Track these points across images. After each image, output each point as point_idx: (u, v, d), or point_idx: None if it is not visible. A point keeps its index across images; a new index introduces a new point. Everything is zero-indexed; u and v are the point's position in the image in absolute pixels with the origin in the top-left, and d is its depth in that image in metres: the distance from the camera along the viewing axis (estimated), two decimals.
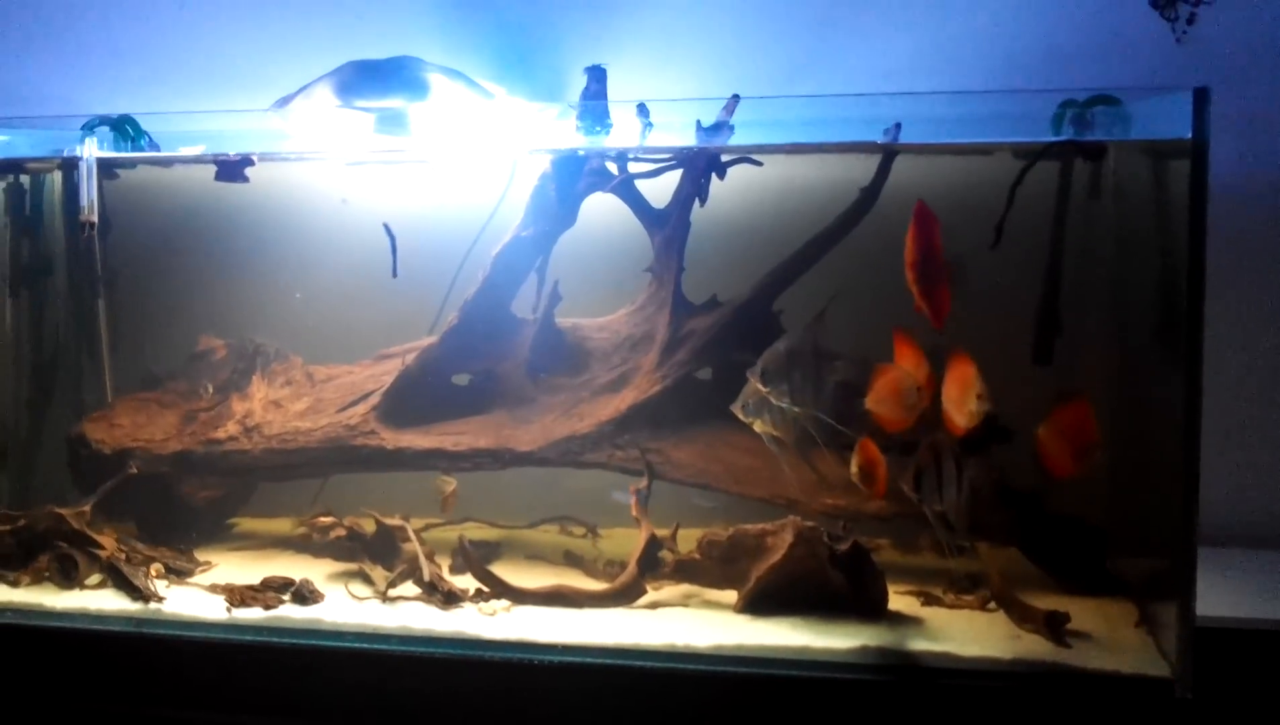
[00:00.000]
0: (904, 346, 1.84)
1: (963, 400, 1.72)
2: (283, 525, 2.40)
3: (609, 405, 2.12)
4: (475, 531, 2.29)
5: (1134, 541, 1.89)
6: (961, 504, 1.72)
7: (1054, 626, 1.74)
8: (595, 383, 2.18)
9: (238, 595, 1.94)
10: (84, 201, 2.18)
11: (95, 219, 2.20)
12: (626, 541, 2.05)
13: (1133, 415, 1.93)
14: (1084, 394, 1.77)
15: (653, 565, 1.92)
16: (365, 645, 1.82)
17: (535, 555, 2.21)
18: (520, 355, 2.22)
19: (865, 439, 1.83)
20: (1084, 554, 1.95)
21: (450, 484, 2.18)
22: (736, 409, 1.87)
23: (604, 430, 2.10)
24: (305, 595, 1.94)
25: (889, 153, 1.97)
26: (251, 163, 2.12)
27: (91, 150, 2.17)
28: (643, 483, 2.03)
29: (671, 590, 1.96)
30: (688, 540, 1.96)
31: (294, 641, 1.84)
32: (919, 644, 1.74)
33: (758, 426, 1.86)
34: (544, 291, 2.20)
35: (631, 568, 1.92)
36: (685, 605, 1.92)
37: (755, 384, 1.80)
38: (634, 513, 1.99)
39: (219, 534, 2.37)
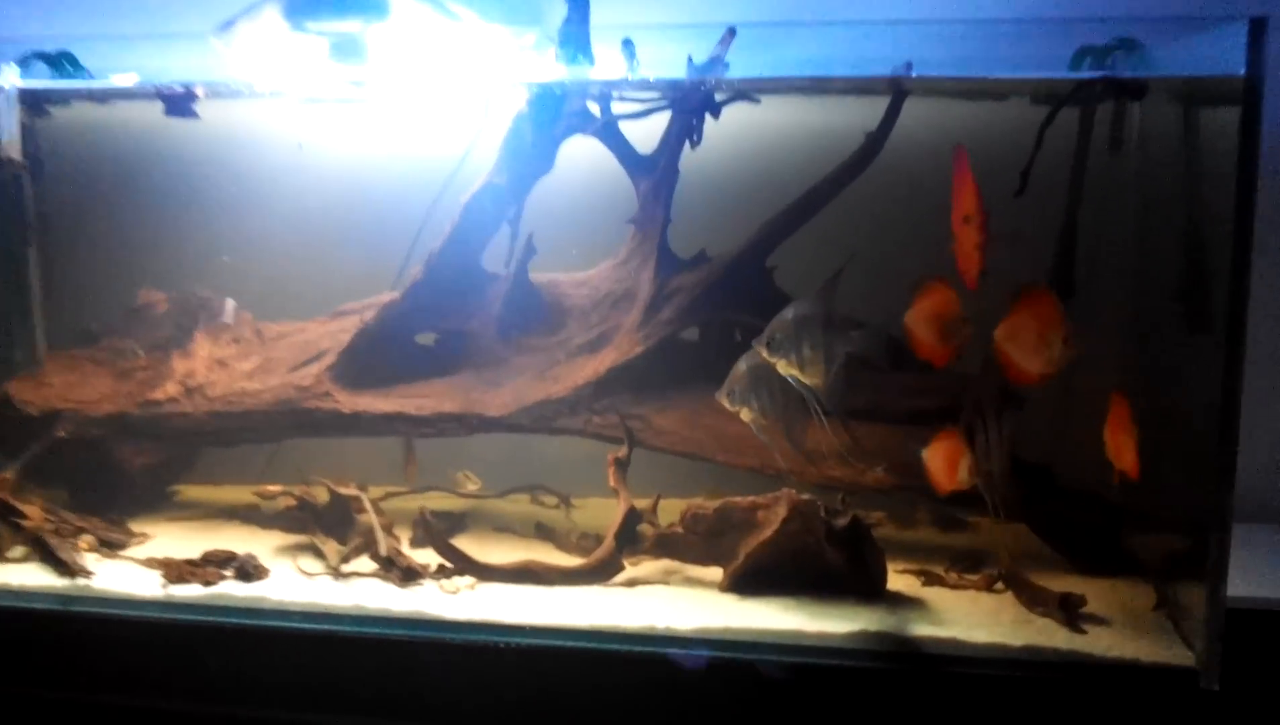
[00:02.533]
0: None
1: (1045, 342, 1.56)
2: (231, 494, 2.31)
3: (587, 367, 2.06)
4: (439, 501, 2.22)
5: (1155, 518, 1.78)
6: (1004, 464, 1.62)
7: (1068, 610, 1.65)
8: (572, 343, 2.11)
9: (175, 570, 1.86)
10: (2, 137, 2.03)
11: (16, 156, 2.09)
12: (603, 512, 1.99)
13: (1154, 383, 1.83)
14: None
15: (631, 539, 1.85)
16: (315, 626, 1.74)
17: (504, 527, 2.15)
18: (491, 313, 2.14)
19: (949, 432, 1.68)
20: (1098, 531, 1.86)
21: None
22: (722, 397, 1.78)
23: (581, 394, 2.03)
24: (249, 571, 1.87)
25: (899, 92, 1.85)
26: (195, 96, 2.01)
27: (11, 79, 2.02)
28: (621, 450, 1.96)
29: (651, 566, 1.89)
30: (670, 512, 1.88)
31: (236, 621, 1.77)
32: (922, 628, 1.66)
33: (745, 415, 1.76)
34: (517, 244, 2.11)
35: (608, 542, 1.85)
36: (666, 583, 1.85)
37: (761, 353, 1.67)
38: (611, 482, 1.92)
39: (158, 503, 2.29)
